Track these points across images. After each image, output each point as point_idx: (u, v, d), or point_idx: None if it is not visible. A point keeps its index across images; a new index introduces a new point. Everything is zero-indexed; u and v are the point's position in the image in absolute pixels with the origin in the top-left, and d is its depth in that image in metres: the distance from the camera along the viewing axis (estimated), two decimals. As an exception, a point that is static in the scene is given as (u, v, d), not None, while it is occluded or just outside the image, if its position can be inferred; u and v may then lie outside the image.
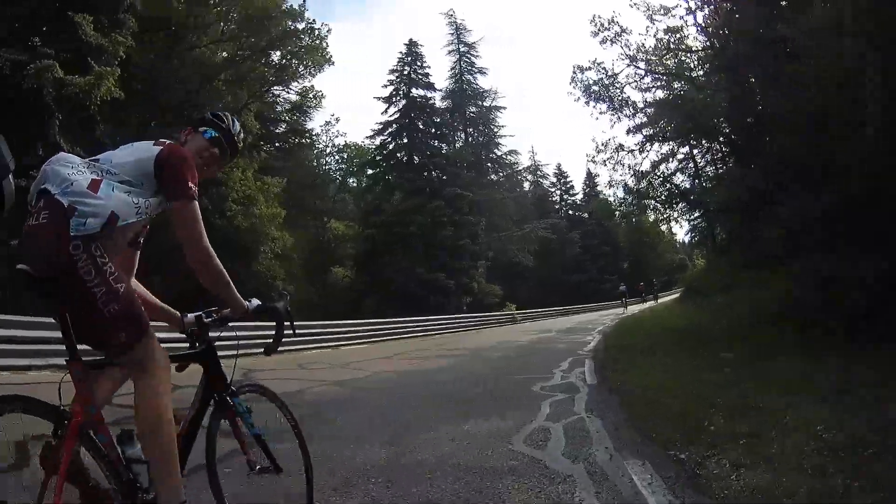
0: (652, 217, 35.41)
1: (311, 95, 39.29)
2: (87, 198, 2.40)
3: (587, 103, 27.16)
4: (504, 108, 59.39)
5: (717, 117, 22.36)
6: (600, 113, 26.91)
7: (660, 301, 50.15)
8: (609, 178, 28.83)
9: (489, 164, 58.65)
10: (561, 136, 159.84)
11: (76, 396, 2.43)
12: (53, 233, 2.35)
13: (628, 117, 27.02)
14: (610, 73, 27.07)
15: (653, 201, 28.79)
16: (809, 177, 13.00)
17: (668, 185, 28.17)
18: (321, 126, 53.30)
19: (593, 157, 27.81)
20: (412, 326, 28.84)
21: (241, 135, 3.23)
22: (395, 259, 39.83)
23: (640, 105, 26.87)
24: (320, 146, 52.64)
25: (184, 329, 3.07)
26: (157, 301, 3.05)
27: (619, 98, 27.07)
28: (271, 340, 3.01)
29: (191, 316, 3.09)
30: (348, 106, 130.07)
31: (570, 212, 78.40)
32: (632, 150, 26.91)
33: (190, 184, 2.63)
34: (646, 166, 28.28)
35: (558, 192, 78.60)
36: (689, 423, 6.00)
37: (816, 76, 12.83)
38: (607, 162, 27.59)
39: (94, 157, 2.65)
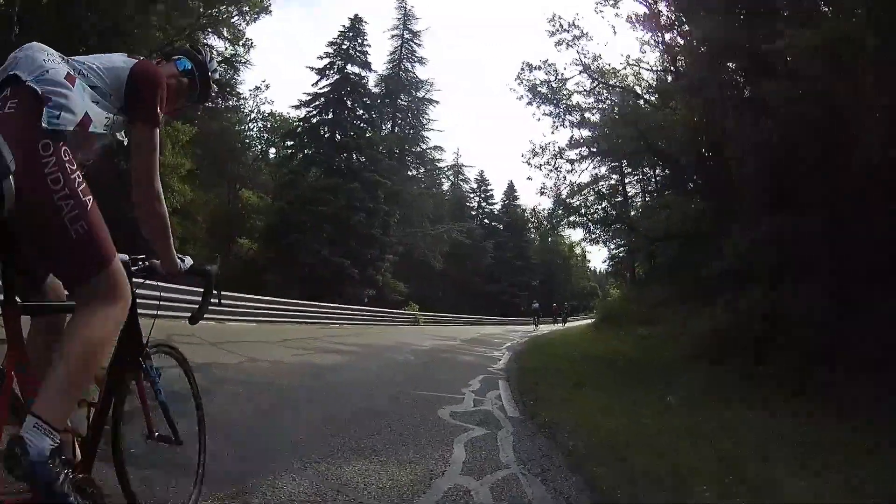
0: (578, 235, 34.13)
1: (241, 44, 35.92)
2: (63, 88, 2.09)
3: (531, 103, 25.75)
4: (437, 101, 57.08)
5: (668, 139, 20.98)
6: (543, 114, 25.51)
7: (567, 325, 50.06)
8: (541, 185, 27.21)
9: (411, 158, 56.68)
10: (487, 143, 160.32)
11: (9, 353, 2.04)
12: (22, 124, 1.98)
13: (572, 125, 25.74)
14: (560, 77, 25.47)
15: (584, 218, 27.40)
16: (769, 202, 12.98)
17: (603, 204, 27.13)
18: (250, 90, 49.33)
19: (529, 158, 26.40)
20: (308, 311, 26.64)
21: (216, 75, 3.00)
22: (304, 238, 36.97)
23: (587, 116, 25.65)
24: (245, 110, 49.15)
25: None
26: None
27: (566, 103, 25.61)
28: (197, 307, 2.80)
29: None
30: (283, 80, 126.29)
31: (487, 220, 77.14)
32: (572, 161, 25.63)
33: (158, 108, 2.37)
34: (584, 179, 27.15)
35: (477, 199, 77.11)
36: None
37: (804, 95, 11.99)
38: (543, 166, 26.21)
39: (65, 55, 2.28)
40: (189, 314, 2.78)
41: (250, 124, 50.18)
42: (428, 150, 57.78)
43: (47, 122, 1.99)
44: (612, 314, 31.49)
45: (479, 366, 14.66)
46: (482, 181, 76.95)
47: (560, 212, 28.86)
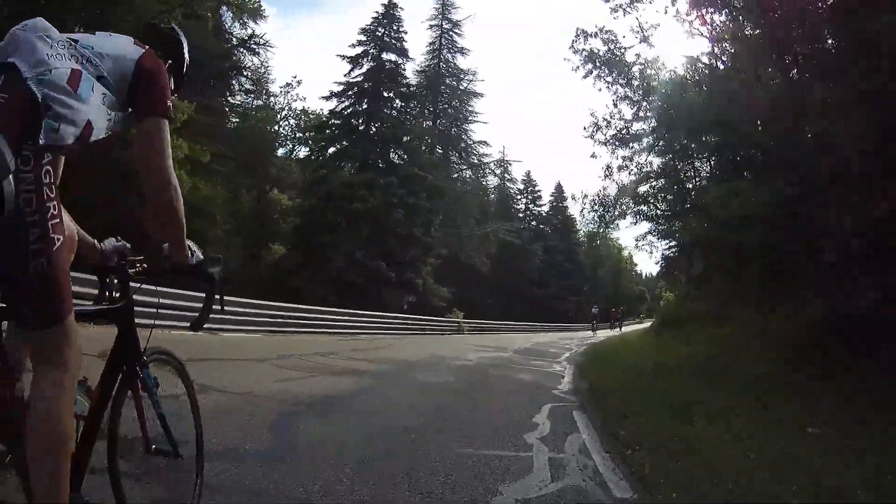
0: (629, 233, 30.38)
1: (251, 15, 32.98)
2: (67, 96, 1.91)
3: (589, 74, 21.75)
4: (481, 94, 53.11)
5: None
6: (606, 84, 21.45)
7: (624, 330, 47.18)
8: (607, 165, 23.23)
9: (455, 153, 52.52)
10: (533, 144, 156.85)
11: None
12: (8, 125, 1.79)
13: (632, 102, 22.01)
14: (619, 45, 21.56)
15: (653, 207, 23.75)
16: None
17: (673, 192, 23.33)
18: (280, 87, 46.21)
19: (592, 132, 22.55)
20: (331, 320, 23.20)
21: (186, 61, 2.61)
22: (335, 239, 33.53)
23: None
24: (276, 107, 45.55)
25: (100, 262, 2.55)
26: (65, 214, 2.15)
27: (626, 74, 21.74)
28: (198, 313, 2.56)
29: (110, 244, 2.59)
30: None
31: (535, 223, 73.51)
32: (637, 135, 21.92)
33: (168, 100, 2.23)
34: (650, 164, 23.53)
35: (524, 200, 73.46)
36: None
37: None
38: (609, 142, 22.34)
39: (72, 35, 2.12)
40: (188, 322, 2.71)
41: (282, 122, 46.74)
42: (473, 145, 53.38)
43: (44, 136, 1.83)
44: (671, 317, 28.24)
45: (542, 388, 11.25)
46: (529, 182, 73.43)
47: (627, 200, 24.92)
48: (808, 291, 13.39)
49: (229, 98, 37.32)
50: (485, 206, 56.16)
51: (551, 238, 71.46)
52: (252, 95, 41.53)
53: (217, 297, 2.52)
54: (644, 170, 23.88)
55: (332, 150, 40.64)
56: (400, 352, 16.94)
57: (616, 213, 26.59)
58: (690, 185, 24.31)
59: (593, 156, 24.44)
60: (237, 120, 39.78)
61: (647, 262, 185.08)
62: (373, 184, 35.07)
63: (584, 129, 23.12)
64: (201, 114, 25.56)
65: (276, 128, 45.33)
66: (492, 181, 63.19)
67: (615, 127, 22.63)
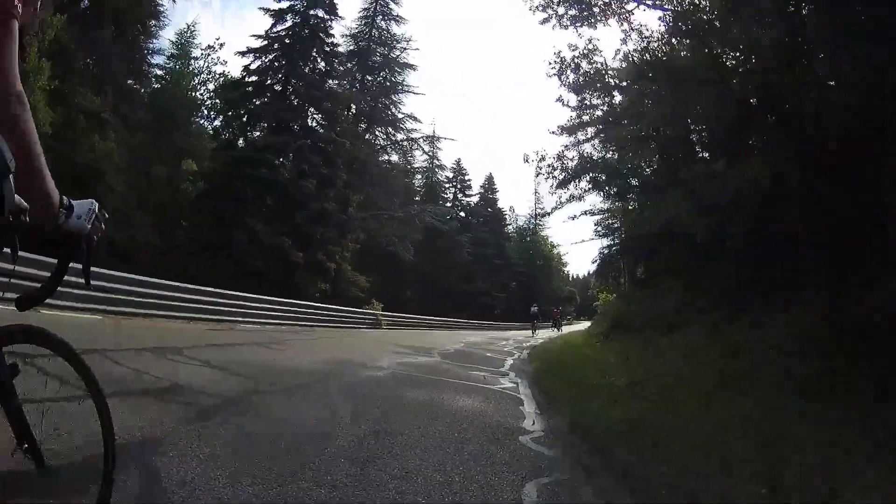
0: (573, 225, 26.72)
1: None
2: None
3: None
4: (414, 66, 48.30)
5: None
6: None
7: (563, 330, 45.02)
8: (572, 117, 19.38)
9: (381, 127, 47.14)
10: (464, 133, 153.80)
11: None
12: None
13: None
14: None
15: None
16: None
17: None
18: (202, 50, 41.02)
19: (558, 70, 18.52)
20: (217, 304, 18.71)
21: None
22: (235, 210, 28.45)
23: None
24: (194, 72, 40.65)
25: None
26: None
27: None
28: (41, 284, 1.89)
29: None
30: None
31: (463, 214, 69.91)
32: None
33: None
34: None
35: (453, 189, 69.52)
36: None
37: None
38: (577, 87, 18.64)
39: None
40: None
41: (200, 88, 41.27)
42: (401, 119, 48.00)
43: None
44: (619, 321, 24.79)
45: (499, 432, 6.72)
46: (459, 170, 69.73)
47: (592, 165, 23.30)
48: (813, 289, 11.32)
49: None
50: (410, 188, 51.56)
51: (480, 230, 68.29)
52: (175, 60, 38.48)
53: (81, 265, 1.89)
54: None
55: (242, 112, 35.05)
56: (289, 353, 12.32)
57: (576, 185, 22.77)
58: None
59: (559, 101, 20.58)
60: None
61: (578, 264, 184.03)
62: (283, 148, 30.09)
63: (550, 65, 18.79)
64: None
65: (193, 94, 40.03)
66: (420, 159, 58.02)
67: (587, 68, 18.28)
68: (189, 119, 37.66)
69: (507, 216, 78.80)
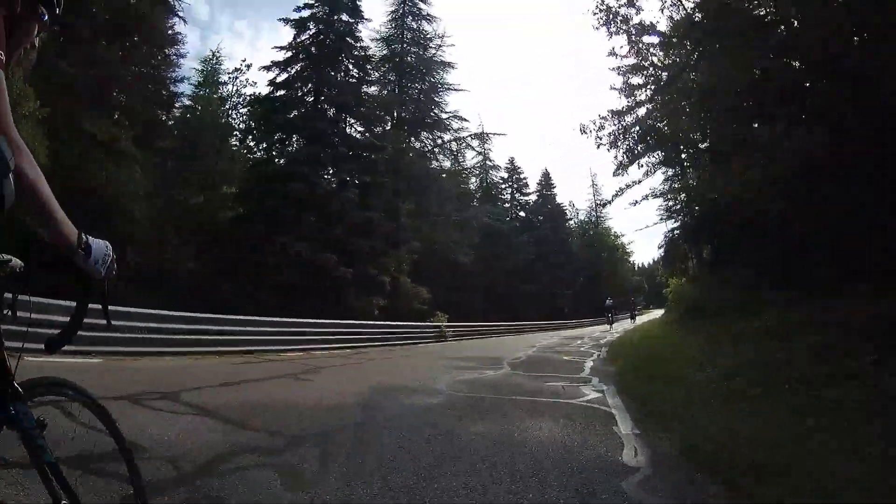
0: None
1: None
2: None
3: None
4: (453, 64, 45.11)
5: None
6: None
7: (638, 321, 44.93)
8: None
9: (426, 130, 43.79)
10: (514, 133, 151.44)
11: None
12: None
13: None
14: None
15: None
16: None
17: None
18: (228, 74, 39.46)
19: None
20: (250, 333, 16.43)
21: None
22: (276, 230, 26.47)
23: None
24: (224, 95, 39.06)
25: None
26: None
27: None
28: (62, 329, 1.83)
29: None
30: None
31: (522, 213, 67.67)
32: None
33: None
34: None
35: (510, 190, 66.80)
36: None
37: None
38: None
39: None
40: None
41: (231, 112, 39.51)
42: (446, 120, 44.60)
43: None
44: (696, 305, 23.45)
45: (586, 465, 4.93)
46: (513, 168, 67.12)
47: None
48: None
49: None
50: (465, 192, 48.94)
51: (542, 228, 65.76)
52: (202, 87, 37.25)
53: (101, 305, 1.90)
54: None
55: (274, 126, 32.82)
56: (320, 384, 9.98)
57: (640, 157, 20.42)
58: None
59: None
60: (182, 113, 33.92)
61: (643, 252, 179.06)
62: (316, 159, 28.03)
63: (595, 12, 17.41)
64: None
65: (224, 118, 38.30)
66: (470, 159, 54.87)
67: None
68: (223, 144, 35.90)
69: (567, 211, 75.99)
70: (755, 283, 18.04)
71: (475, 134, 46.75)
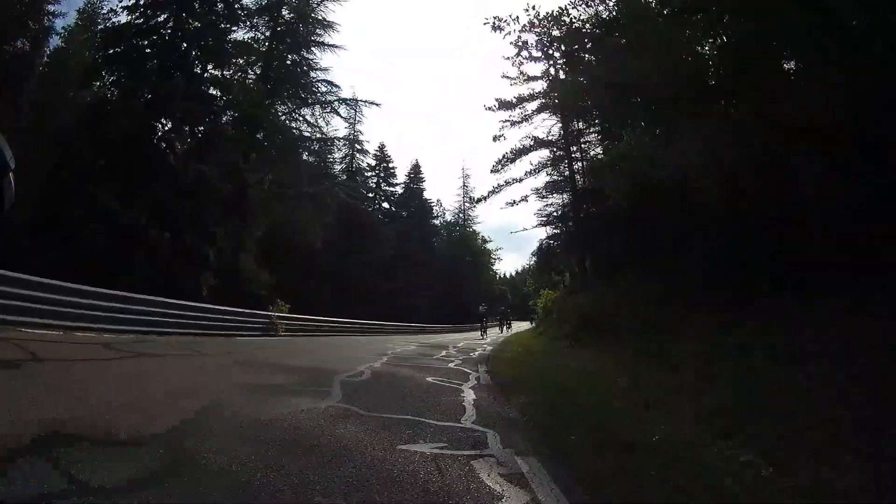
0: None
1: None
2: None
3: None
4: (335, 24, 38.18)
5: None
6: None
7: (508, 331, 45.35)
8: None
9: (289, 86, 36.14)
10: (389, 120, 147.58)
11: None
12: None
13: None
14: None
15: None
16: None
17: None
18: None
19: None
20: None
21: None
22: (89, 180, 20.76)
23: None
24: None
25: None
26: None
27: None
28: None
29: None
30: None
31: (387, 205, 63.52)
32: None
33: None
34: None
35: (376, 178, 62.29)
36: None
37: None
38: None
39: None
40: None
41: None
42: (314, 82, 37.31)
43: None
44: (590, 320, 20.80)
45: None
46: (383, 157, 62.59)
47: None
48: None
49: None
50: (326, 167, 43.43)
51: (405, 223, 62.48)
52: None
53: None
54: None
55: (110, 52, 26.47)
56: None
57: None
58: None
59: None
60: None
61: (507, 263, 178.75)
62: (138, 94, 22.32)
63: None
64: None
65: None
66: (334, 130, 48.02)
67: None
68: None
69: (434, 207, 72.33)
70: (664, 297, 16.27)
71: (344, 99, 39.36)
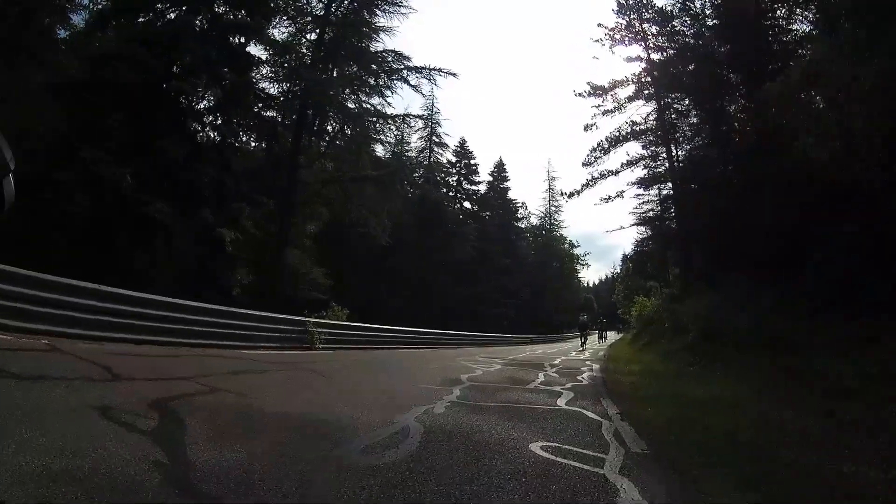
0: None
1: None
2: None
3: None
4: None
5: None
6: None
7: (606, 342, 41.85)
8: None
9: (351, 62, 29.09)
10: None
11: None
12: None
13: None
14: None
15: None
16: None
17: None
18: None
19: None
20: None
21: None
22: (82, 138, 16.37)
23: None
24: None
25: None
26: None
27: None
28: None
29: None
30: None
31: (469, 204, 59.11)
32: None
33: None
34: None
35: (457, 175, 57.08)
36: None
37: None
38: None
39: None
40: None
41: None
42: (383, 53, 29.67)
43: None
44: (711, 333, 16.99)
45: None
46: (463, 152, 56.99)
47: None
48: None
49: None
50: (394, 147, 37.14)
51: (490, 223, 57.24)
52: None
53: None
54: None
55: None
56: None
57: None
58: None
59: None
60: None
61: (588, 272, 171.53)
62: (161, 40, 17.47)
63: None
64: None
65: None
66: (408, 100, 42.05)
67: None
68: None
69: (518, 208, 66.40)
70: (783, 305, 14.26)
71: (415, 67, 31.35)
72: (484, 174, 60.83)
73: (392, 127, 31.39)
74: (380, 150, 33.41)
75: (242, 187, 19.76)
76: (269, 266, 23.42)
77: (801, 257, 15.32)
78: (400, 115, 30.92)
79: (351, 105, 27.06)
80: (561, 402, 8.50)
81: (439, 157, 54.57)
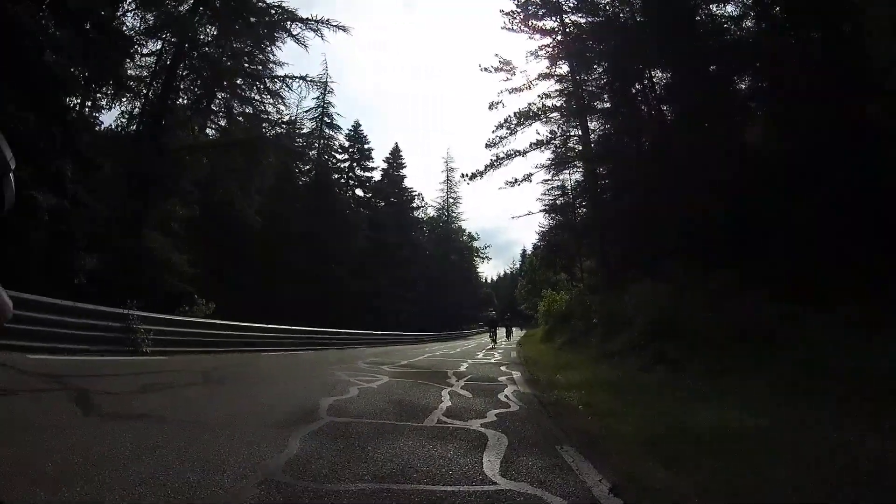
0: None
1: None
2: None
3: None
4: None
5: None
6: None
7: (514, 339, 41.39)
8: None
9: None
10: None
11: None
12: None
13: None
14: None
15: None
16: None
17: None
18: None
19: None
20: None
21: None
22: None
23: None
24: None
25: None
26: None
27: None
28: None
29: None
30: None
31: (361, 192, 55.61)
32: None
33: None
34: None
35: (349, 160, 53.71)
36: None
37: None
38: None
39: None
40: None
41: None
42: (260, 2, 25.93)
43: None
44: (670, 327, 14.39)
45: None
46: (357, 137, 53.41)
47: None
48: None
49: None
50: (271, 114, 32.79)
51: (383, 213, 54.64)
52: None
53: None
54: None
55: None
56: None
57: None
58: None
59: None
60: None
61: (485, 269, 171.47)
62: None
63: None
64: None
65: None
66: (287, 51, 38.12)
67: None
68: None
69: (415, 198, 63.58)
70: (734, 290, 13.34)
71: (300, 18, 25.45)
72: (378, 160, 57.84)
73: (272, 87, 27.24)
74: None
75: (78, 145, 15.80)
76: (121, 249, 19.49)
77: (754, 239, 14.40)
78: (281, 77, 26.68)
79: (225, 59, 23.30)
80: (492, 468, 4.64)
81: (330, 140, 51.13)
